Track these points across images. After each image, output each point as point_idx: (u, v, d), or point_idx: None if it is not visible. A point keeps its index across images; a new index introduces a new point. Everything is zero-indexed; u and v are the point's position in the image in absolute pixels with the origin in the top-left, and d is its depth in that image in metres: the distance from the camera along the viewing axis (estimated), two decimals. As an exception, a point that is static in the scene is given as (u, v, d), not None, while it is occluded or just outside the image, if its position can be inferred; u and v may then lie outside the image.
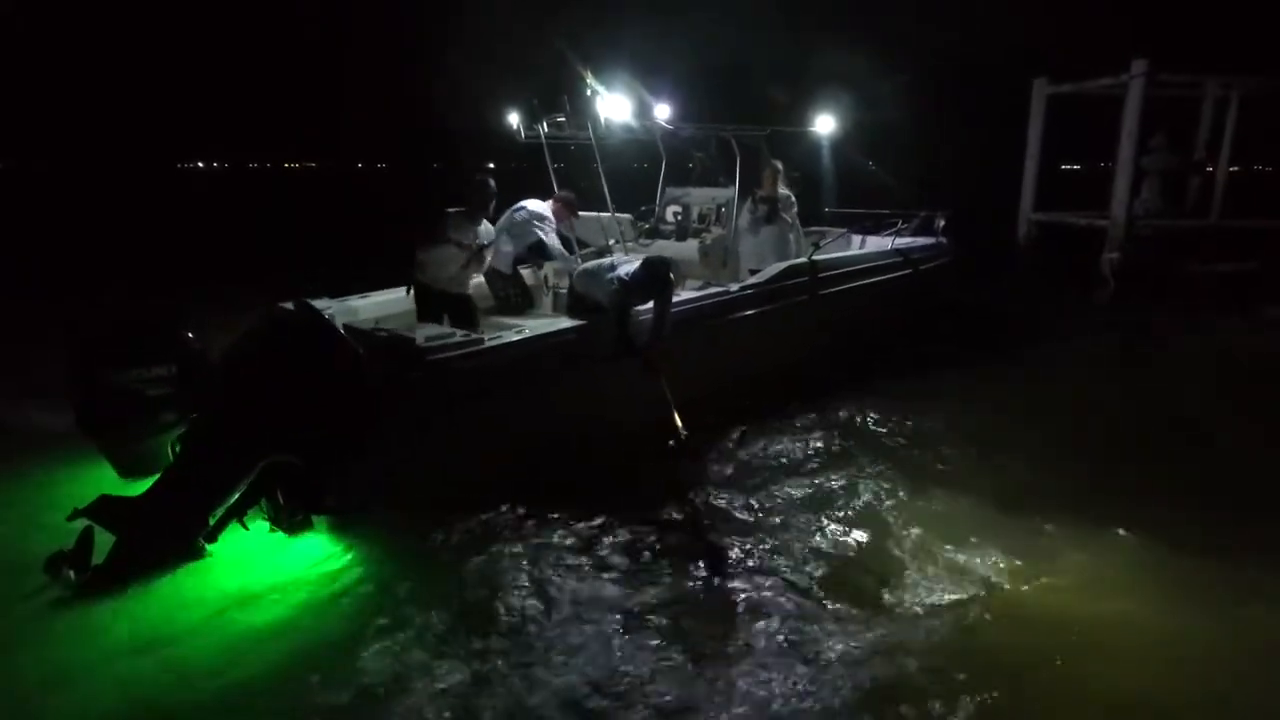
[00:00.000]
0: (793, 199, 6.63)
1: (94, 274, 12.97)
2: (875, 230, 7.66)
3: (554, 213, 5.88)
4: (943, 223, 7.87)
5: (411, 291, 5.34)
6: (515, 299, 5.92)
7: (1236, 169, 12.27)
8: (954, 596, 3.56)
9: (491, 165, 5.41)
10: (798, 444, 5.19)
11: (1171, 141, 11.72)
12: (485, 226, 5.51)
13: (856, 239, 7.69)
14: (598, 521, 4.16)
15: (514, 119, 5.86)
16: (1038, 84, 12.69)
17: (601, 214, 6.06)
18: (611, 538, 4.02)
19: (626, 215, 6.11)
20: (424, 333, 4.24)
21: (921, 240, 7.63)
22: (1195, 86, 12.02)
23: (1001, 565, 3.79)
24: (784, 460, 4.99)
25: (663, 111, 5.46)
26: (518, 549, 3.88)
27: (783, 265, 5.99)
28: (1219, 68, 11.87)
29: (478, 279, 5.71)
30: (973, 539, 4.00)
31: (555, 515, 4.19)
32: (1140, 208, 11.52)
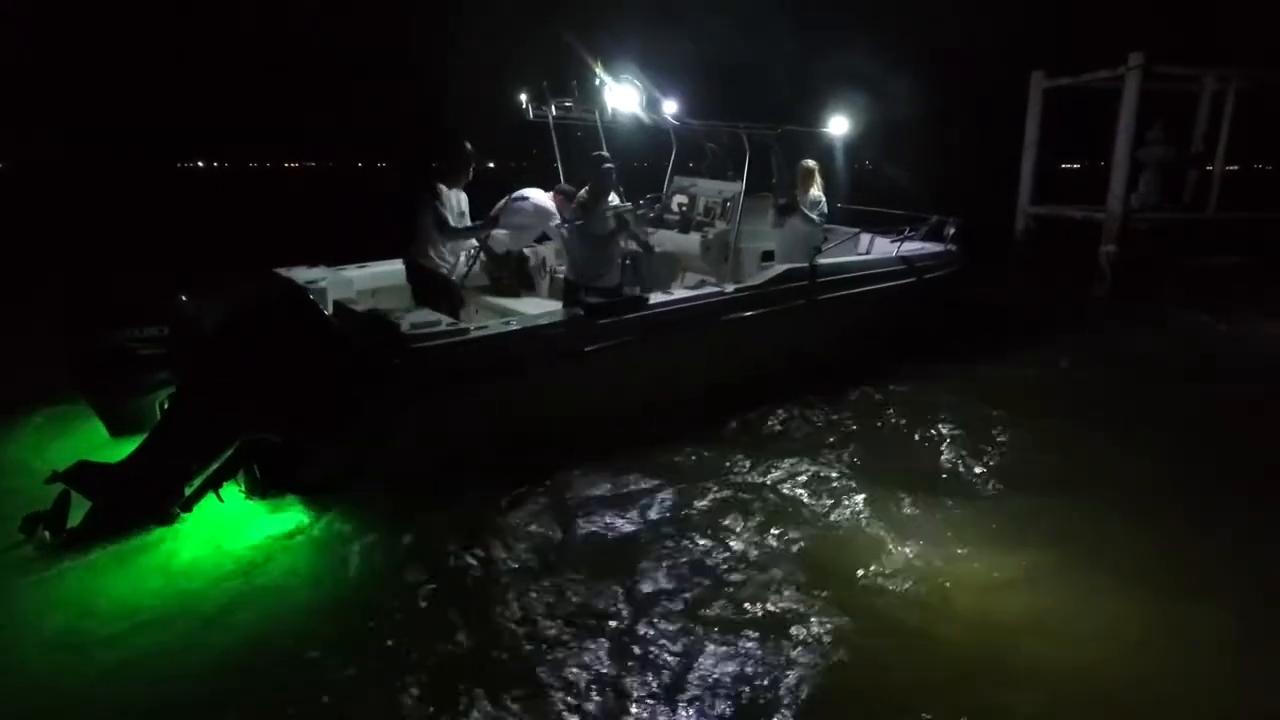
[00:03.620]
0: (822, 201, 6.51)
1: (96, 267, 13.04)
2: (885, 232, 7.54)
3: (557, 205, 5.95)
4: (953, 230, 7.68)
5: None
6: (510, 281, 5.97)
7: (1236, 167, 12.33)
8: (916, 587, 3.62)
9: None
10: (782, 440, 5.22)
11: (1168, 134, 11.79)
12: (461, 196, 5.33)
13: (864, 241, 7.62)
14: (569, 507, 4.23)
15: (523, 98, 5.90)
16: (1035, 77, 12.76)
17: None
18: (581, 523, 4.10)
19: (627, 205, 6.18)
20: (411, 319, 4.28)
21: (929, 247, 7.41)
22: (1193, 80, 12.10)
23: (971, 560, 3.84)
24: (768, 456, 4.98)
25: (670, 107, 5.51)
26: (489, 529, 3.97)
27: (781, 268, 5.93)
28: (1217, 61, 11.95)
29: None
30: (941, 535, 4.07)
31: (527, 500, 4.28)
32: (1137, 201, 11.59)
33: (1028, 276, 12.21)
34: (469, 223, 5.36)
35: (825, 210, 6.56)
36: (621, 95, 5.17)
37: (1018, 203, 13.27)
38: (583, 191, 5.33)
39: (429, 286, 5.18)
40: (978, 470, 4.87)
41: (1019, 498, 4.47)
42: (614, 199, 5.31)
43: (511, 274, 5.96)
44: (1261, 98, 12.07)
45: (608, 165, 5.19)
